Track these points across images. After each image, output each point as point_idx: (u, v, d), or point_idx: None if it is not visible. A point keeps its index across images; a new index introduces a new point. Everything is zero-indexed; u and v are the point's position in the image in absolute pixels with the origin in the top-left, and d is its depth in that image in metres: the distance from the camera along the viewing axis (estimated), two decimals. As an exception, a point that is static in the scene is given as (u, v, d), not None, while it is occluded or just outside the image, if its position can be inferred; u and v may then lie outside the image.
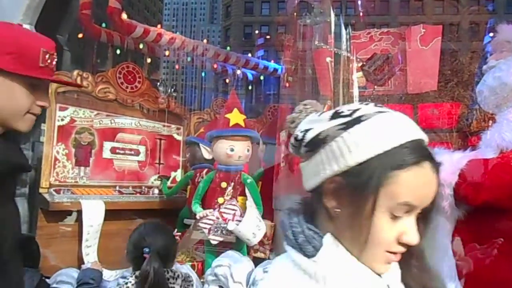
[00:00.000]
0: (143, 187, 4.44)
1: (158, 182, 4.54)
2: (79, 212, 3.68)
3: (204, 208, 3.23)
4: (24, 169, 1.25)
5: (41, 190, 3.74)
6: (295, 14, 3.88)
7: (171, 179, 4.66)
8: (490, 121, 3.39)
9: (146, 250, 1.84)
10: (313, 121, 0.80)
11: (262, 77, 7.21)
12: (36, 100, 1.26)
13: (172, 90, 5.08)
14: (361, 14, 3.98)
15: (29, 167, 1.26)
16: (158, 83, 5.02)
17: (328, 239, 0.75)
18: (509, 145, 2.05)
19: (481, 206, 1.98)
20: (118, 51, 5.35)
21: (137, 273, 1.86)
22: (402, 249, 0.75)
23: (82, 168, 4.07)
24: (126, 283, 1.88)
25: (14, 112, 1.21)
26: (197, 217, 3.17)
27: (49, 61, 1.25)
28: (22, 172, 1.29)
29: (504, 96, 2.11)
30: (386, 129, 0.73)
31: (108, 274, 3.21)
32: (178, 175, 4.82)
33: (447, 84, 3.95)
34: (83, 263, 3.41)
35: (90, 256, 3.64)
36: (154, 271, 1.79)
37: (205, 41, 6.19)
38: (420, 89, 3.90)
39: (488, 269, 1.95)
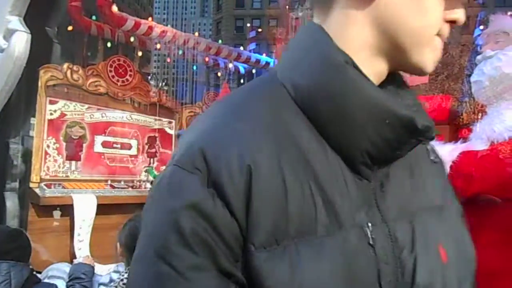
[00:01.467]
0: (135, 181, 4.42)
1: (150, 178, 4.53)
2: (70, 207, 3.66)
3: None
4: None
5: (31, 185, 3.71)
6: (287, 7, 3.87)
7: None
8: (480, 114, 3.43)
9: None
10: None
11: (254, 71, 7.21)
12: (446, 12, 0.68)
13: (163, 83, 5.06)
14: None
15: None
16: (149, 77, 4.99)
17: None
18: (499, 137, 2.07)
19: (473, 198, 2.01)
20: (108, 44, 5.31)
21: None
22: None
23: (73, 162, 4.04)
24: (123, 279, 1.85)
25: (423, 33, 0.63)
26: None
27: None
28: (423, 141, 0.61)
29: (498, 89, 2.12)
30: None
31: (100, 269, 3.20)
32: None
33: (437, 77, 3.97)
34: (75, 257, 3.40)
35: (82, 251, 3.62)
36: None
37: (196, 34, 6.16)
38: (411, 82, 3.92)
39: (480, 260, 1.97)
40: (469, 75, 3.50)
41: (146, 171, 4.47)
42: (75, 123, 4.08)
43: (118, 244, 1.94)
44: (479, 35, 3.77)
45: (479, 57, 2.29)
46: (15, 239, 2.16)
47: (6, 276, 1.96)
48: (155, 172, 4.50)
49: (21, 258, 2.12)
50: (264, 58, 7.02)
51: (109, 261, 3.54)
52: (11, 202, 3.72)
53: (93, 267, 2.59)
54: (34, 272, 2.31)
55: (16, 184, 3.82)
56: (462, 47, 4.37)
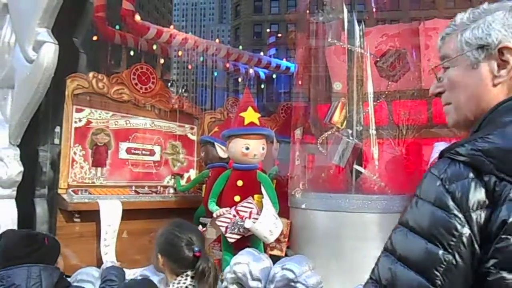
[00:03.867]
0: (159, 187, 4.48)
1: (173, 182, 4.59)
2: (97, 212, 3.74)
3: (220, 206, 3.26)
4: None
5: (59, 191, 3.81)
6: (307, 11, 3.88)
7: (185, 178, 4.72)
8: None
9: (196, 249, 1.84)
10: None
11: (274, 76, 7.23)
12: None
13: (183, 90, 5.12)
14: (374, 10, 3.96)
15: None
16: (169, 84, 5.07)
17: None
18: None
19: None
20: (131, 53, 5.42)
21: (191, 273, 1.85)
22: None
23: (99, 168, 4.13)
24: (185, 287, 1.82)
25: None
26: (214, 215, 3.19)
27: None
28: None
29: None
30: None
31: (126, 273, 3.25)
32: (192, 175, 4.85)
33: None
34: (102, 262, 3.46)
35: (109, 255, 3.69)
36: (214, 267, 1.85)
37: (217, 40, 6.23)
38: (428, 85, 3.88)
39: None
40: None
41: (173, 177, 4.51)
42: (100, 130, 4.17)
43: (158, 255, 1.92)
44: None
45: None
46: (30, 243, 2.15)
47: (37, 279, 2.01)
48: (181, 183, 4.51)
49: (44, 261, 2.13)
50: (284, 63, 7.04)
51: (134, 265, 3.60)
52: (41, 208, 3.83)
53: (124, 271, 2.64)
54: (63, 275, 2.34)
55: (45, 191, 3.93)
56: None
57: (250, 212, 3.11)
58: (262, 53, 7.59)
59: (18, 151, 3.40)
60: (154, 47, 5.50)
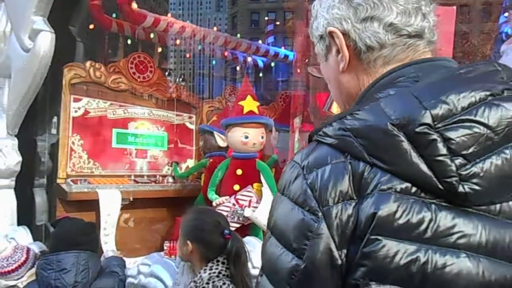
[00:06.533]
0: (158, 176, 4.48)
1: (171, 170, 4.59)
2: (96, 202, 3.74)
3: (219, 195, 3.26)
4: None
5: (58, 181, 3.80)
6: (306, -1, 3.85)
7: (183, 168, 4.72)
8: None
9: (226, 231, 1.84)
10: None
11: (272, 64, 7.18)
12: None
13: (181, 79, 5.09)
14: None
15: None
16: (167, 73, 5.03)
17: None
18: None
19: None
20: (129, 41, 5.37)
21: (221, 258, 1.83)
22: None
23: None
24: (218, 272, 1.80)
25: None
26: (214, 204, 3.20)
27: None
28: None
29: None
30: None
31: (127, 261, 3.26)
32: (190, 164, 4.85)
33: (458, 67, 3.90)
34: (102, 251, 3.47)
35: (109, 245, 3.70)
36: (244, 247, 1.84)
37: (215, 29, 6.17)
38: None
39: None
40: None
41: (171, 164, 4.51)
42: (99, 119, 4.15)
43: (188, 242, 1.86)
44: (504, 22, 3.68)
45: (500, 52, 2.26)
46: (88, 232, 2.25)
47: (85, 266, 2.08)
48: (179, 170, 4.52)
49: (93, 249, 2.25)
50: (282, 51, 6.99)
51: (134, 254, 3.61)
52: (40, 198, 3.83)
53: (124, 261, 2.65)
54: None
55: (44, 181, 3.93)
56: (484, 35, 4.26)
57: (250, 201, 3.11)
58: (260, 41, 7.53)
59: (16, 141, 3.39)
60: (152, 35, 5.45)
